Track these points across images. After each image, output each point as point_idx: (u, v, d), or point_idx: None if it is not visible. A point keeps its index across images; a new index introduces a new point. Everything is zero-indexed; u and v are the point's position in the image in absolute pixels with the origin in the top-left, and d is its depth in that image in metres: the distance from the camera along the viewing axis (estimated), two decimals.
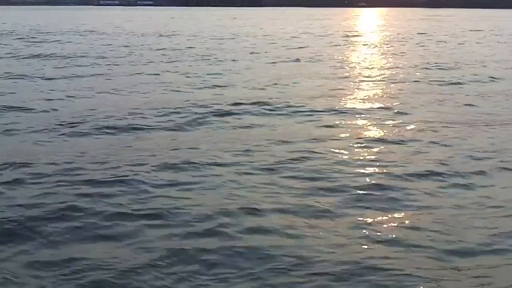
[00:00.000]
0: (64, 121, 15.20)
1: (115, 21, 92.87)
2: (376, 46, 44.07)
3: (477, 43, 47.63)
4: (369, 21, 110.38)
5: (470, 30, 68.31)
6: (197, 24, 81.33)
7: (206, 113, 16.32)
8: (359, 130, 14.31)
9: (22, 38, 48.72)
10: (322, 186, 9.81)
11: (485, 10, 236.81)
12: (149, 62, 30.60)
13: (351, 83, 22.23)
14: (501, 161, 11.50)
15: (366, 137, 13.48)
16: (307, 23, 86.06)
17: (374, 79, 23.73)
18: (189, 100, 18.53)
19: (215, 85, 21.92)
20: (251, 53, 34.22)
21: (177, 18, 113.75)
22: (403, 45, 44.61)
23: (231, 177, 10.32)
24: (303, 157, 11.52)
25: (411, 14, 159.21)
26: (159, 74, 25.24)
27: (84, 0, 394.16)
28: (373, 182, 10.16)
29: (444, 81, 23.46)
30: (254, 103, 17.57)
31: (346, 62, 30.47)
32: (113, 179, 10.21)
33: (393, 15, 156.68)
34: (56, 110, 17.22)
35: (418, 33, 60.87)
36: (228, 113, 16.28)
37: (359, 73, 25.75)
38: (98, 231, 8.03)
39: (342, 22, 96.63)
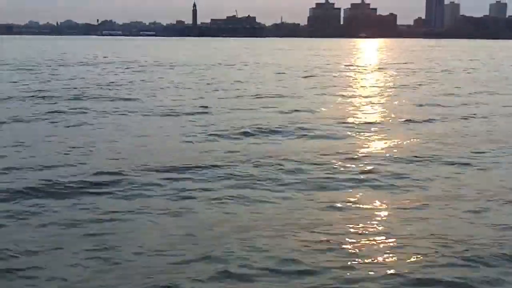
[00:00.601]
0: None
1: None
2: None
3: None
4: (373, 52, 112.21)
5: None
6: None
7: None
8: None
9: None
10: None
11: (479, 41, 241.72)
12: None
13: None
14: None
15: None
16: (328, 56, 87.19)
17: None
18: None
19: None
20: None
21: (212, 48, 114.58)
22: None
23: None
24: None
25: (411, 45, 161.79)
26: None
27: (87, 30, 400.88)
28: None
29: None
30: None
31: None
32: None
33: (391, 46, 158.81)
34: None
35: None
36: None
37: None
38: None
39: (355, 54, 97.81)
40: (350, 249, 8.50)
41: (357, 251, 8.45)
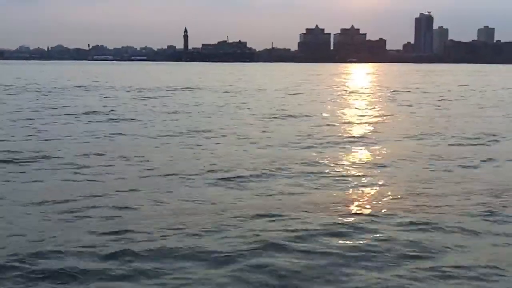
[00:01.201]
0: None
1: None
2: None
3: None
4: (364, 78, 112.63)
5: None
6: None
7: None
8: None
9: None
10: None
11: (470, 65, 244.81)
12: None
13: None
14: None
15: None
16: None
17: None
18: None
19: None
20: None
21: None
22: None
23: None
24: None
25: (402, 70, 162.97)
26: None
27: (78, 55, 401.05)
28: None
29: None
30: None
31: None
32: None
33: (382, 71, 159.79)
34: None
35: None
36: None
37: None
38: None
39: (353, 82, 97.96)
40: None
41: None
